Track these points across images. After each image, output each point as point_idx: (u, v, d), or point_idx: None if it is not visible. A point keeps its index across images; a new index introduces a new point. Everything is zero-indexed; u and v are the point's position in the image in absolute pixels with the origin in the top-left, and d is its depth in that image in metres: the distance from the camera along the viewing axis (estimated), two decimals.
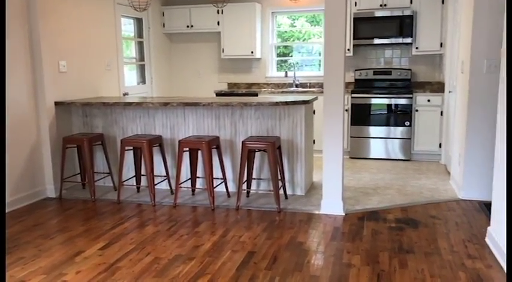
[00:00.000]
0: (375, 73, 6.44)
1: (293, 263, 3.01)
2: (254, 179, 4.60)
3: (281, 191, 4.35)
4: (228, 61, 7.16)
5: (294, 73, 6.81)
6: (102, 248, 3.29)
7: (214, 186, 4.29)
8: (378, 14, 6.06)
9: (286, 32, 7.07)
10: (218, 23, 6.78)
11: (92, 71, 5.23)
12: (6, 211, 4.14)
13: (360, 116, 6.13)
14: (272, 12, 6.90)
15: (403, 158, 6.04)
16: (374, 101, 6.06)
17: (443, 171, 5.41)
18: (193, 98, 4.88)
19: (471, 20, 4.08)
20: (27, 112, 4.42)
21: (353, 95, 6.12)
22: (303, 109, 4.42)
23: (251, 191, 4.56)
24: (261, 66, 7.05)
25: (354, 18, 6.13)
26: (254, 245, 3.31)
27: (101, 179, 4.97)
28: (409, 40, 6.01)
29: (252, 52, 6.74)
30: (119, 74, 5.77)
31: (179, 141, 4.22)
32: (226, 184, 4.52)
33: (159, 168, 4.77)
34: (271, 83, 7.04)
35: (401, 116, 5.97)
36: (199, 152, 4.52)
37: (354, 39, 6.20)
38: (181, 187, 4.43)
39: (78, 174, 4.96)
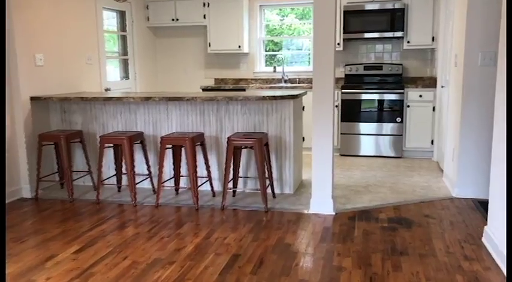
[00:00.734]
0: (366, 68, 6.28)
1: (280, 266, 2.83)
2: (240, 177, 4.42)
3: (269, 190, 4.19)
4: (215, 56, 6.96)
5: (283, 68, 6.63)
6: (77, 252, 3.08)
7: (199, 185, 4.12)
8: (369, 7, 5.90)
9: (275, 28, 6.87)
10: (204, 17, 6.57)
11: (71, 65, 5.00)
12: None
13: (350, 112, 5.96)
14: (260, 6, 6.71)
15: (394, 155, 5.89)
16: (364, 96, 5.89)
17: (435, 169, 5.27)
18: (177, 93, 4.68)
19: (465, 11, 3.93)
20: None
21: (343, 91, 5.95)
22: (291, 104, 4.24)
23: (237, 190, 4.38)
24: (249, 61, 6.85)
25: (344, 11, 5.97)
26: (239, 247, 3.12)
27: (79, 178, 4.75)
28: (400, 34, 5.85)
29: (239, 46, 6.54)
30: (101, 69, 5.54)
31: (161, 138, 4.01)
32: (211, 183, 4.33)
33: (140, 167, 4.57)
34: (259, 79, 6.85)
35: (392, 112, 5.82)
36: (183, 149, 4.32)
37: (344, 33, 6.03)
38: (164, 186, 4.23)
39: (56, 173, 4.73)
